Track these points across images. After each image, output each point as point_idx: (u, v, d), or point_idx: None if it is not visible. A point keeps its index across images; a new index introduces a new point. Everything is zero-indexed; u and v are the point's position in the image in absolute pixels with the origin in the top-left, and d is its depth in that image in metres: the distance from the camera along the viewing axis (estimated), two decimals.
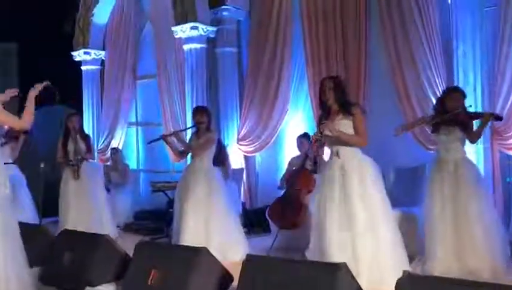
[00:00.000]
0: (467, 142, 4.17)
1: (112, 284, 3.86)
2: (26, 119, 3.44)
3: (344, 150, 3.74)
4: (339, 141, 3.75)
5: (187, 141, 5.21)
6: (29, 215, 6.17)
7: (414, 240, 4.44)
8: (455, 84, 4.86)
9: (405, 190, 4.93)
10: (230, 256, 4.49)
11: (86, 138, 6.23)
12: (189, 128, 5.32)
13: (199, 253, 3.30)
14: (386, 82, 5.69)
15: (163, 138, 5.29)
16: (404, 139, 5.48)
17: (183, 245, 4.02)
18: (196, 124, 5.00)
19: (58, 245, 4.26)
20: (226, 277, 3.36)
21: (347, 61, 6.05)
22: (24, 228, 4.88)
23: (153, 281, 3.34)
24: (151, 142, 5.71)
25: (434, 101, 5.14)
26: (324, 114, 3.85)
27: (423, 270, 3.97)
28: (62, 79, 9.55)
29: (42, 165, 5.88)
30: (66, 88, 9.78)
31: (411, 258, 4.12)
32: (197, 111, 5.10)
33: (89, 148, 6.19)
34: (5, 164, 6.00)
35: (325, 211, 3.68)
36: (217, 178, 4.95)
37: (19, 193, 6.19)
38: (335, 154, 3.80)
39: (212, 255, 3.35)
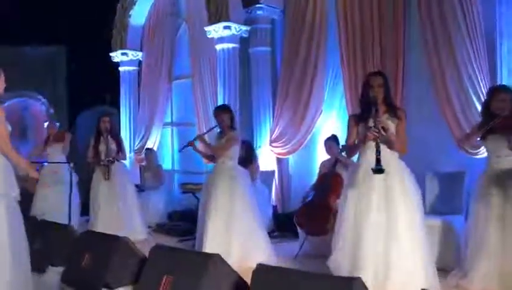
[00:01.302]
0: None
1: (129, 288, 3.79)
2: (13, 157, 3.32)
3: (384, 152, 3.40)
4: (384, 141, 3.42)
5: (211, 144, 5.07)
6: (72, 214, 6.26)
7: (451, 251, 4.15)
8: (498, 83, 4.48)
9: (442, 197, 4.60)
10: (252, 262, 4.32)
11: (117, 138, 6.28)
12: (211, 129, 5.18)
13: (212, 259, 3.16)
14: (425, 81, 5.38)
15: (191, 144, 5.10)
16: (443, 143, 5.16)
17: (196, 251, 3.91)
18: (218, 124, 4.89)
19: (80, 246, 4.25)
20: (240, 284, 3.21)
21: (384, 61, 5.77)
22: (52, 227, 5.02)
23: (164, 287, 3.23)
24: (181, 149, 5.62)
25: (475, 102, 4.82)
26: (364, 113, 3.51)
27: (459, 284, 3.67)
28: (108, 80, 9.80)
29: (72, 165, 5.97)
30: (111, 89, 10.03)
31: (445, 271, 3.84)
32: (216, 111, 4.98)
33: (120, 149, 6.23)
34: (56, 163, 6.30)
35: (364, 216, 3.38)
36: (242, 180, 4.78)
37: (62, 192, 6.31)
38: (373, 155, 3.40)
39: (226, 262, 3.21)
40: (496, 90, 3.83)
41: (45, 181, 6.36)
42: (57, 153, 6.50)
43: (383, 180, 3.39)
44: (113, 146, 6.13)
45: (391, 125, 3.47)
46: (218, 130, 5.03)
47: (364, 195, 3.42)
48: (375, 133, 3.35)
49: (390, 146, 3.43)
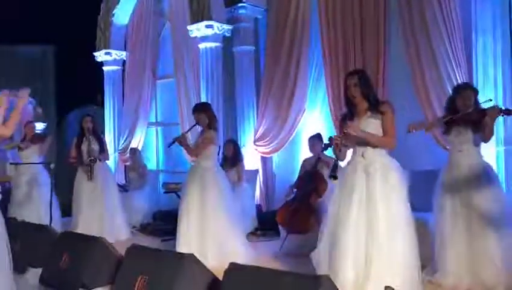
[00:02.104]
0: (486, 144, 3.85)
1: (106, 288, 3.79)
2: (11, 127, 3.25)
3: (369, 151, 3.44)
4: (365, 142, 3.44)
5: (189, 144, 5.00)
6: (52, 214, 6.19)
7: (427, 247, 4.17)
8: (474, 79, 4.53)
9: (419, 194, 4.60)
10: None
11: (99, 138, 6.23)
12: (191, 127, 5.14)
13: (186, 259, 3.17)
14: (405, 79, 5.43)
15: (177, 140, 4.94)
16: (424, 140, 5.18)
17: (171, 251, 3.91)
18: (196, 123, 4.85)
19: (58, 247, 4.24)
20: (215, 284, 3.22)
21: (365, 58, 5.81)
22: (32, 227, 5.00)
23: (139, 286, 3.24)
24: (169, 145, 5.60)
25: None
26: (349, 112, 3.53)
27: (432, 281, 3.71)
28: (95, 80, 9.78)
29: (52, 166, 5.92)
30: (99, 89, 10.01)
31: (423, 267, 3.87)
32: (194, 110, 4.92)
33: (103, 149, 6.19)
34: (31, 163, 6.25)
35: (344, 215, 3.38)
36: (215, 181, 4.69)
37: (41, 193, 6.29)
38: (360, 155, 3.47)
39: (200, 262, 3.22)
40: (460, 88, 3.89)
41: (22, 182, 6.32)
42: (33, 154, 6.41)
43: (365, 180, 3.39)
44: (96, 146, 6.09)
45: (374, 123, 3.43)
46: (200, 128, 4.98)
47: (346, 195, 3.43)
48: (337, 140, 3.40)
49: (372, 146, 3.41)
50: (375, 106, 3.46)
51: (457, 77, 4.91)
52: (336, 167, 3.36)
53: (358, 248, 3.32)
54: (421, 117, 5.22)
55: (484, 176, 3.71)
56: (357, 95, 3.46)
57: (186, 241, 4.47)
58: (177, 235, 4.60)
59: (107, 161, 6.47)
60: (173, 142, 4.96)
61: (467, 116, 3.65)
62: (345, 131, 3.40)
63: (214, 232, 4.55)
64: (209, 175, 4.70)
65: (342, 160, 3.82)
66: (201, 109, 4.87)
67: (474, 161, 3.77)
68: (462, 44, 4.87)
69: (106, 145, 6.36)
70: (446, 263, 3.67)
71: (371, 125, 3.44)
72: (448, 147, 4.76)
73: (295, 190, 5.40)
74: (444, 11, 4.98)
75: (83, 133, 6.12)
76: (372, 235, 3.31)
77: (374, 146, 3.42)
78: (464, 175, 3.72)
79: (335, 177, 3.38)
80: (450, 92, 4.92)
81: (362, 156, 3.46)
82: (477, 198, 3.64)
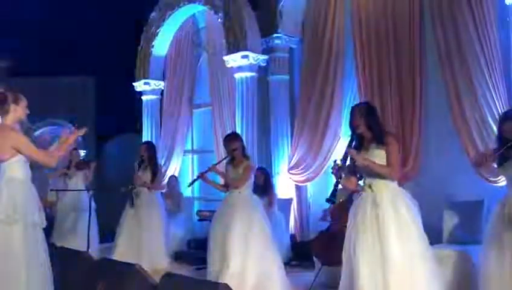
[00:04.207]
0: None
1: None
2: (56, 158, 3.33)
3: (377, 183, 3.45)
4: (370, 171, 3.45)
5: (225, 173, 4.98)
6: (91, 240, 6.31)
7: (468, 280, 4.03)
8: None
9: (460, 227, 4.49)
10: None
11: (152, 167, 6.19)
12: (223, 159, 5.14)
13: (219, 289, 3.14)
14: (443, 108, 5.34)
15: (201, 176, 5.03)
16: (463, 170, 5.06)
17: (204, 280, 3.89)
18: (229, 153, 4.82)
19: (94, 273, 4.28)
20: None
21: (401, 87, 5.76)
22: (70, 253, 5.09)
23: None
24: (190, 184, 5.65)
25: (493, 126, 4.74)
26: (355, 142, 3.57)
27: None
28: (134, 109, 10.02)
29: (91, 193, 6.07)
30: (138, 118, 10.24)
31: None
32: (227, 140, 4.90)
33: (154, 178, 6.15)
34: (72, 190, 6.46)
35: (357, 248, 3.40)
36: (260, 211, 4.73)
37: (83, 219, 6.44)
38: (367, 187, 3.50)
39: None
40: (505, 115, 3.80)
41: (67, 209, 6.49)
42: (78, 180, 6.63)
43: (375, 211, 3.39)
44: (144, 174, 6.09)
45: (380, 154, 3.45)
46: (228, 158, 4.95)
47: (357, 229, 3.43)
48: (337, 165, 3.46)
49: (378, 176, 3.42)
50: (380, 137, 3.49)
51: (497, 106, 4.80)
52: (334, 191, 3.47)
53: (376, 281, 3.28)
54: (459, 146, 5.11)
55: None
56: (361, 126, 3.50)
57: (231, 274, 4.42)
58: (225, 265, 4.50)
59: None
60: (196, 180, 5.03)
61: None
62: (346, 157, 3.46)
63: (258, 265, 4.52)
64: (255, 205, 4.74)
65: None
66: (236, 138, 4.91)
67: None
68: (501, 70, 4.78)
69: (158, 175, 6.30)
70: None
71: (377, 156, 3.45)
72: (492, 179, 4.62)
73: (330, 220, 5.33)
74: (482, 39, 4.92)
75: (142, 160, 6.19)
76: (388, 267, 3.27)
77: (379, 175, 3.43)
78: None
79: (333, 202, 3.54)
80: (489, 120, 4.84)
81: (370, 188, 3.47)
82: None
